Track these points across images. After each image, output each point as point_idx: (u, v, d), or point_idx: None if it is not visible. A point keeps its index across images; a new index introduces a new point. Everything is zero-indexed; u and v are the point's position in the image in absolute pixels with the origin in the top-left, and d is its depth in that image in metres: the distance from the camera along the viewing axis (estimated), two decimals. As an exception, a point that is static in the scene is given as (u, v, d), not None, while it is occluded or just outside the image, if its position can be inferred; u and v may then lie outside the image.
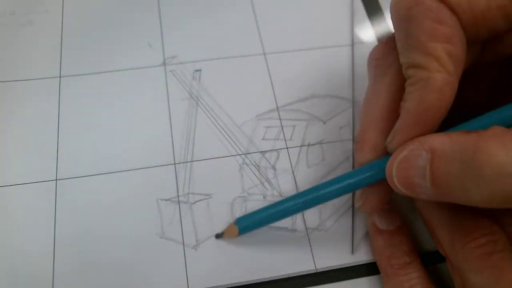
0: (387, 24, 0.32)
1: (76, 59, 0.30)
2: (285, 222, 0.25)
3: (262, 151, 0.27)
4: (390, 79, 0.21)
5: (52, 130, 0.27)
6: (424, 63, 0.18)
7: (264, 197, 0.26)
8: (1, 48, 0.30)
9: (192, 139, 0.27)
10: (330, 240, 0.25)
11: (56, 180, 0.26)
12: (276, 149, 0.27)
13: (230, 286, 0.24)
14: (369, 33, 0.32)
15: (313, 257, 0.24)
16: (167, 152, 0.27)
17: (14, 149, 0.27)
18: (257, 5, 0.33)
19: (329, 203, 0.26)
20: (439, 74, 0.18)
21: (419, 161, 0.18)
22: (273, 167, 0.27)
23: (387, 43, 0.22)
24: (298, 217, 0.25)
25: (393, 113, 0.20)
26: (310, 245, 0.25)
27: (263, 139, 0.28)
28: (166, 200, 0.25)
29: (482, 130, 0.17)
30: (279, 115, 0.28)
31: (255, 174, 0.27)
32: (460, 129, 0.19)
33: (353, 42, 0.31)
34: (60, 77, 0.29)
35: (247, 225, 0.24)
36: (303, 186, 0.26)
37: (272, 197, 0.26)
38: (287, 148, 0.27)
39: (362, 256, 0.25)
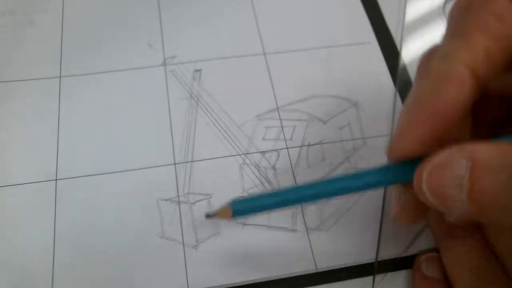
0: (386, 24, 0.33)
1: (76, 59, 0.30)
2: (285, 222, 0.25)
3: (262, 151, 0.27)
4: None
5: (52, 130, 0.27)
6: (456, 49, 0.16)
7: (264, 197, 0.26)
8: (1, 48, 0.30)
9: (192, 139, 0.27)
10: (330, 240, 0.25)
11: (56, 180, 0.26)
12: (276, 149, 0.27)
13: (230, 286, 0.24)
14: (370, 34, 0.32)
15: (313, 257, 0.24)
16: (167, 152, 0.27)
17: (14, 149, 0.27)
18: (257, 5, 0.33)
19: (329, 203, 0.26)
20: (465, 70, 0.16)
21: (457, 169, 0.16)
22: (273, 167, 0.27)
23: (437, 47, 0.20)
24: (298, 217, 0.25)
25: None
26: (310, 245, 0.25)
27: (263, 139, 0.28)
28: (166, 200, 0.25)
29: None
30: (279, 115, 0.28)
31: (255, 174, 0.27)
32: (504, 140, 0.17)
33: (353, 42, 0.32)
34: (60, 77, 0.29)
35: (242, 209, 0.22)
36: (303, 186, 0.26)
37: (272, 197, 0.26)
38: (287, 148, 0.27)
39: (362, 256, 0.25)
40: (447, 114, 0.17)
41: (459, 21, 0.17)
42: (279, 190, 0.22)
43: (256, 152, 0.27)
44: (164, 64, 0.30)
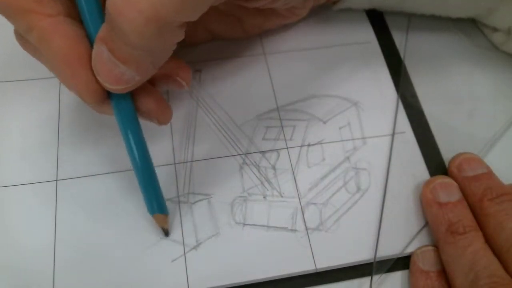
0: (386, 24, 0.33)
1: (76, 59, 0.30)
2: (285, 222, 0.25)
3: (262, 151, 0.27)
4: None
5: (52, 130, 0.27)
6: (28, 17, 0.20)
7: (264, 197, 0.26)
8: (1, 48, 0.30)
9: (192, 139, 0.27)
10: (330, 240, 0.25)
11: (56, 180, 0.26)
12: (276, 149, 0.27)
13: (230, 286, 0.24)
14: (370, 34, 0.32)
15: (313, 257, 0.24)
16: (167, 152, 0.27)
17: (14, 149, 0.27)
18: (257, 5, 0.33)
19: (329, 203, 0.26)
20: (45, 21, 0.20)
21: (104, 55, 0.19)
22: (273, 167, 0.27)
23: None
24: (298, 217, 0.25)
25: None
26: (310, 245, 0.25)
27: (263, 139, 0.28)
28: (166, 200, 0.25)
29: None
30: (279, 115, 0.28)
31: (255, 174, 0.27)
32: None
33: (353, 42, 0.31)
34: (60, 77, 0.29)
35: (157, 205, 0.24)
36: (303, 186, 0.26)
37: (272, 197, 0.26)
38: (287, 148, 0.27)
39: (362, 256, 0.25)
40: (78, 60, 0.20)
41: None
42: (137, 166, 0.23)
43: (256, 152, 0.27)
44: (164, 64, 0.30)
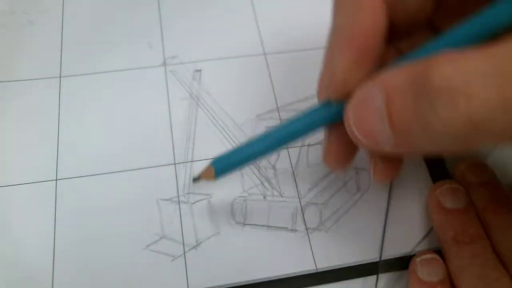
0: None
1: (76, 59, 0.30)
2: (285, 222, 0.25)
3: (262, 151, 0.27)
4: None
5: (52, 130, 0.27)
6: None
7: (264, 197, 0.26)
8: (1, 48, 0.30)
9: (192, 139, 0.27)
10: (330, 240, 0.25)
11: (56, 180, 0.26)
12: (276, 149, 0.27)
13: (230, 286, 0.24)
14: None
15: (313, 257, 0.24)
16: (167, 152, 0.27)
17: (14, 149, 0.27)
18: (257, 5, 0.33)
19: (329, 203, 0.26)
20: None
21: (375, 102, 0.15)
22: (273, 167, 0.27)
23: None
24: (298, 217, 0.25)
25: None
26: (310, 245, 0.25)
27: (263, 139, 0.28)
28: (166, 200, 0.25)
29: (431, 56, 0.14)
30: (279, 115, 0.28)
31: (255, 174, 0.26)
32: (413, 57, 0.17)
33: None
34: (60, 77, 0.29)
35: (223, 167, 0.22)
36: (303, 186, 0.26)
37: (272, 197, 0.26)
38: (287, 148, 0.27)
39: (362, 256, 0.25)
40: (365, 40, 0.17)
41: None
42: (250, 141, 0.21)
43: (256, 152, 0.27)
44: (164, 64, 0.30)
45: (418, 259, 0.23)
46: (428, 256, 0.23)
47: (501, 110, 0.13)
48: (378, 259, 0.24)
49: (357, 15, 0.17)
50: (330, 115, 0.19)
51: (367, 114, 0.16)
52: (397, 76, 0.15)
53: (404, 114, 0.15)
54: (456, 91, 0.13)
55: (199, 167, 0.26)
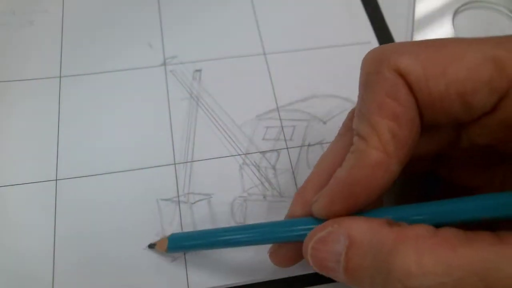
0: (386, 24, 0.33)
1: (76, 59, 0.30)
2: (285, 222, 0.25)
3: (262, 151, 0.27)
4: (345, 141, 0.20)
5: (52, 130, 0.27)
6: (366, 134, 0.17)
7: (264, 197, 0.26)
8: (1, 48, 0.30)
9: (192, 139, 0.27)
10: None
11: (56, 180, 0.26)
12: (276, 149, 0.27)
13: (230, 286, 0.24)
14: (370, 34, 0.32)
15: (313, 257, 0.24)
16: (167, 152, 0.27)
17: (14, 149, 0.27)
18: (257, 5, 0.33)
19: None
20: (375, 151, 0.17)
21: (336, 246, 0.17)
22: (273, 167, 0.27)
23: None
24: (298, 217, 0.25)
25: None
26: (310, 245, 0.25)
27: (263, 139, 0.28)
28: (166, 200, 0.25)
29: (406, 226, 0.16)
30: (279, 115, 0.28)
31: (255, 174, 0.27)
32: (392, 213, 0.18)
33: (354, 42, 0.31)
34: (60, 77, 0.29)
35: (178, 245, 0.23)
36: (303, 186, 0.26)
37: (272, 197, 0.26)
38: (287, 148, 0.27)
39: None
40: (357, 196, 0.17)
41: (362, 99, 0.18)
42: (214, 230, 0.22)
43: (256, 152, 0.27)
44: (164, 64, 0.30)
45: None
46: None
47: None
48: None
49: (357, 172, 0.17)
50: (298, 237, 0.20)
51: (325, 254, 0.17)
52: (363, 231, 0.16)
53: (359, 271, 0.16)
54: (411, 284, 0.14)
55: (199, 167, 0.26)
